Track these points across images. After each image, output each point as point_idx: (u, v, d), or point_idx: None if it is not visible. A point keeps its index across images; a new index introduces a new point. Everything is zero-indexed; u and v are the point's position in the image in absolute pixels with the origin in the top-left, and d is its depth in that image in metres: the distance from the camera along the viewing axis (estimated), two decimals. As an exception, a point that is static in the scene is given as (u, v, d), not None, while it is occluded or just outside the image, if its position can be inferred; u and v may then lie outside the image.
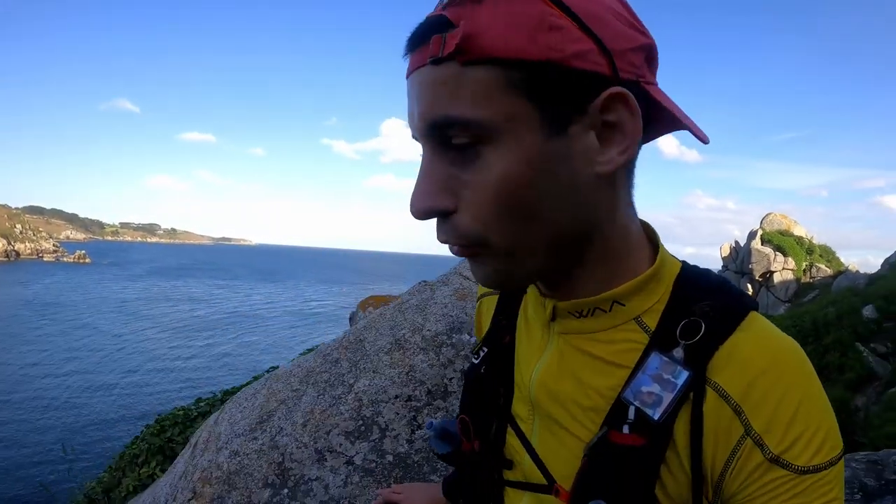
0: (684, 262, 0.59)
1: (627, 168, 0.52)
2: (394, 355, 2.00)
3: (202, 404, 3.91)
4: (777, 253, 22.21)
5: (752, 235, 23.69)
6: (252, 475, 1.85)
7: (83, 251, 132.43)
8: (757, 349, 0.50)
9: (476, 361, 0.70)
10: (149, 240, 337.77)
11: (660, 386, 0.50)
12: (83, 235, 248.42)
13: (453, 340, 2.01)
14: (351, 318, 4.87)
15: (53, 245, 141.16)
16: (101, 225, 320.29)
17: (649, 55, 0.50)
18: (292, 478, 1.79)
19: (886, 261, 17.84)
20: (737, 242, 25.00)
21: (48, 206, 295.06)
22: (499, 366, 0.67)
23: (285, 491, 1.76)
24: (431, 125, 0.47)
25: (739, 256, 23.84)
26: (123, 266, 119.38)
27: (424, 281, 2.40)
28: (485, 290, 0.77)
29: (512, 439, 0.63)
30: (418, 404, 1.86)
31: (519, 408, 0.63)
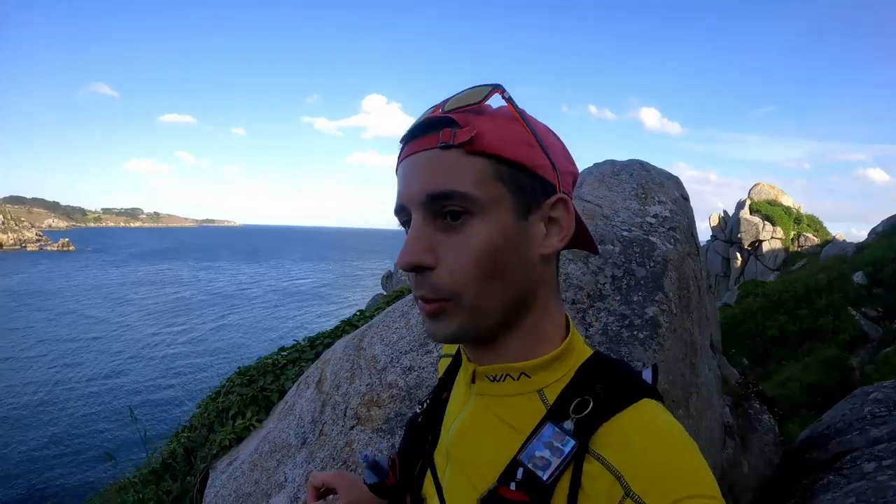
0: (597, 352, 0.69)
1: (556, 267, 0.69)
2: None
3: (287, 352, 3.88)
4: (766, 222, 22.73)
5: (740, 205, 24.14)
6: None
7: (67, 239, 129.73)
8: (639, 427, 0.58)
9: (418, 411, 0.83)
10: (132, 224, 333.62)
11: (550, 452, 0.59)
12: (66, 223, 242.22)
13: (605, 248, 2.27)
14: (385, 280, 5.50)
15: (36, 234, 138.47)
16: (83, 212, 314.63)
17: (574, 181, 0.69)
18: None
19: (873, 230, 18.42)
20: (725, 213, 25.48)
21: (29, 196, 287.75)
22: (432, 417, 0.79)
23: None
24: (434, 195, 0.60)
25: (728, 226, 24.29)
26: (108, 251, 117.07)
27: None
28: (445, 353, 0.90)
29: (428, 482, 0.75)
30: (583, 306, 2.10)
31: (439, 456, 0.74)
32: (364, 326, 2.71)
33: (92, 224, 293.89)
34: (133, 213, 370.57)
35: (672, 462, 0.54)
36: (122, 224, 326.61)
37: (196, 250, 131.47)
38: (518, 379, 0.65)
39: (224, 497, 2.62)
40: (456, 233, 0.61)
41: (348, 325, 4.17)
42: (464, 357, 0.73)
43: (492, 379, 0.67)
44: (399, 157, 0.66)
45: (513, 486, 0.59)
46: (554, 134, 0.68)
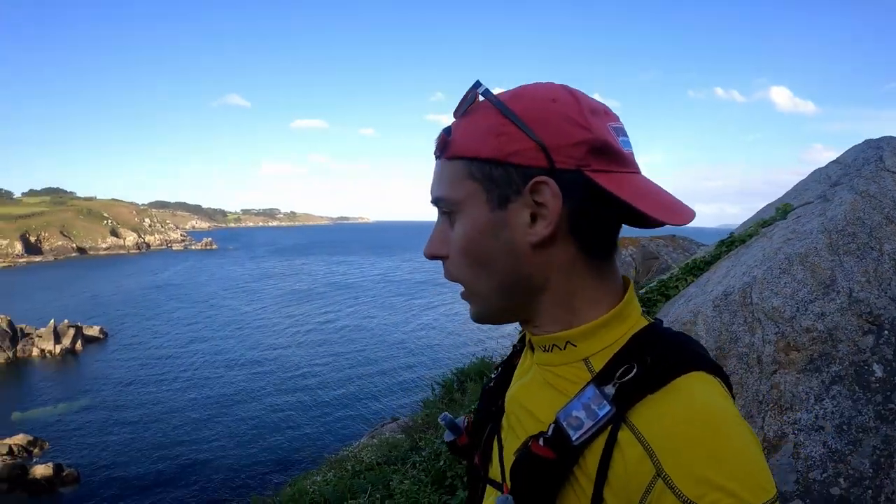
0: (656, 322, 0.72)
1: (584, 247, 0.69)
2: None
3: None
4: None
5: None
6: (848, 328, 2.48)
7: (209, 238, 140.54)
8: (683, 402, 0.59)
9: (493, 376, 0.92)
10: (270, 224, 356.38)
11: (586, 413, 0.62)
12: (207, 224, 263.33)
13: None
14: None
15: (181, 235, 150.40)
16: (223, 213, 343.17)
17: (593, 146, 0.65)
18: (886, 321, 2.46)
19: None
20: None
21: (172, 200, 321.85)
22: (502, 384, 0.87)
23: (885, 333, 2.44)
24: (433, 200, 0.74)
25: None
26: (249, 249, 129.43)
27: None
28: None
29: (496, 443, 0.81)
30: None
31: (504, 419, 0.81)
32: (724, 288, 3.06)
33: (232, 224, 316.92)
34: (271, 213, 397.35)
35: (714, 447, 0.55)
36: (260, 223, 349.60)
37: (330, 246, 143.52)
38: (564, 348, 0.71)
39: None
40: (452, 228, 0.72)
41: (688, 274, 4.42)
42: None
43: (543, 349, 0.74)
44: None
45: (542, 441, 0.64)
46: (563, 100, 0.68)
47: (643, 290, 4.66)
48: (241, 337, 39.82)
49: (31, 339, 35.12)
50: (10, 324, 34.86)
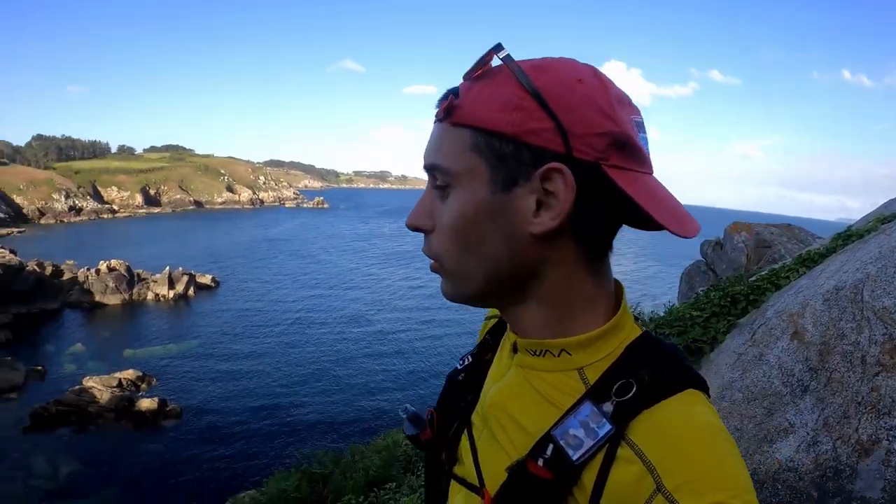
0: (645, 332, 0.71)
1: (585, 246, 0.67)
2: None
3: (702, 306, 4.18)
4: None
5: None
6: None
7: (321, 198, 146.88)
8: (680, 420, 0.60)
9: (459, 367, 0.90)
10: (381, 186, 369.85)
11: (585, 432, 0.62)
12: (320, 184, 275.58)
13: None
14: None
15: (294, 193, 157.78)
16: (336, 174, 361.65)
17: (616, 140, 0.62)
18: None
19: None
20: None
21: (287, 160, 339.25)
22: (473, 377, 0.86)
23: None
24: (426, 166, 0.69)
25: None
26: (359, 209, 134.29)
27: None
28: (490, 315, 0.94)
29: (464, 441, 0.80)
30: None
31: (477, 416, 0.80)
32: (836, 282, 3.03)
33: (344, 185, 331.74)
34: (382, 176, 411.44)
35: (710, 460, 0.58)
36: (371, 185, 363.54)
37: None
38: (559, 356, 0.69)
39: None
40: (442, 202, 0.68)
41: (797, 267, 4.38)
42: (508, 325, 0.77)
43: (532, 353, 0.71)
44: None
45: (541, 462, 0.64)
46: (590, 83, 0.63)
47: (753, 279, 4.55)
48: (345, 294, 41.33)
49: (147, 283, 37.69)
50: (129, 269, 37.52)
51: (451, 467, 0.83)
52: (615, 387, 0.64)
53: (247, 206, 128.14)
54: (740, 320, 3.70)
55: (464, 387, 0.86)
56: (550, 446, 0.64)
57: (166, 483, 16.73)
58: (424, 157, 0.69)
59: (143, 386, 23.28)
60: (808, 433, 2.46)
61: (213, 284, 41.64)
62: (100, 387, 21.62)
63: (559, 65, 0.64)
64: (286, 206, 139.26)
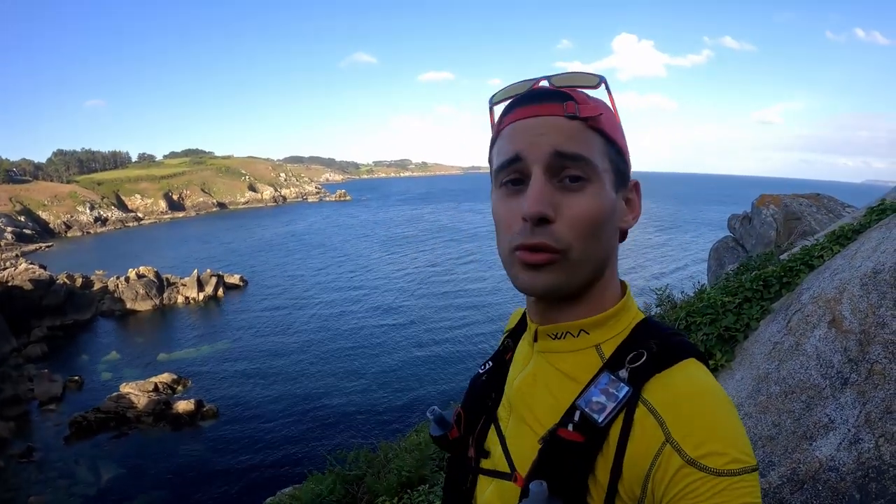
0: (648, 315, 0.83)
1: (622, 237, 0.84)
2: None
3: (733, 291, 4.09)
4: None
5: None
6: None
7: (343, 190, 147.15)
8: (685, 381, 0.71)
9: (481, 371, 0.99)
10: (402, 174, 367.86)
11: (605, 397, 0.72)
12: (341, 177, 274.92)
13: None
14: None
15: (315, 187, 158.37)
16: (356, 166, 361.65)
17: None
18: None
19: None
20: None
21: (306, 155, 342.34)
22: (496, 376, 0.95)
23: None
24: (564, 154, 0.74)
25: None
26: (383, 199, 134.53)
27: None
28: (507, 329, 1.04)
29: (492, 434, 0.89)
30: None
31: (503, 410, 0.89)
32: (874, 265, 2.87)
33: (365, 176, 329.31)
34: (402, 164, 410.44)
35: (712, 417, 0.67)
36: (392, 174, 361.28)
37: (461, 193, 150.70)
38: (578, 335, 0.80)
39: None
40: (574, 194, 0.75)
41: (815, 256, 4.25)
42: (528, 319, 0.88)
43: (553, 336, 0.81)
44: (510, 117, 0.80)
45: (570, 427, 0.73)
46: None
47: (784, 256, 4.52)
48: (374, 285, 41.30)
49: (176, 287, 38.21)
50: (157, 274, 38.10)
51: (479, 464, 0.89)
52: (628, 357, 0.75)
53: (270, 204, 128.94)
54: (773, 305, 3.56)
55: (487, 386, 0.95)
56: (577, 413, 0.73)
57: (206, 483, 17.03)
58: (557, 144, 0.75)
59: (179, 388, 23.68)
60: (849, 430, 2.32)
61: (241, 284, 42.06)
62: (136, 392, 22.03)
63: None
64: (309, 200, 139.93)
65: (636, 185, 0.84)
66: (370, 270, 47.06)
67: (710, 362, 3.32)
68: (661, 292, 5.40)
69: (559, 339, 0.81)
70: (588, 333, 0.80)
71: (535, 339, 0.85)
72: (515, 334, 0.98)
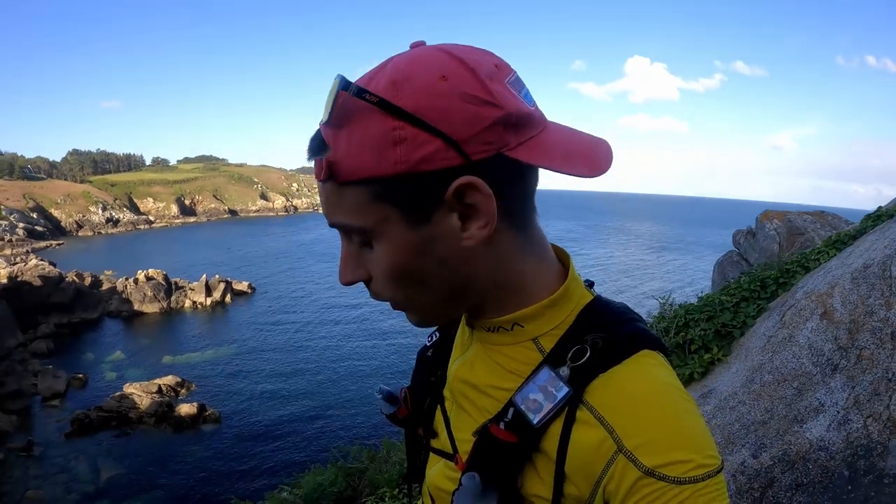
0: (597, 297, 0.74)
1: (517, 226, 0.68)
2: None
3: (732, 291, 4.20)
4: None
5: None
6: None
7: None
8: (635, 381, 0.63)
9: (428, 344, 0.93)
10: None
11: (543, 396, 0.65)
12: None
13: None
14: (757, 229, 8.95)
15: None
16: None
17: (509, 122, 0.60)
18: None
19: None
20: None
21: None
22: (441, 353, 0.89)
23: None
24: (332, 225, 0.67)
25: None
26: None
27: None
28: None
29: (439, 415, 0.84)
30: None
31: (447, 390, 0.83)
32: (864, 260, 3.06)
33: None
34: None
35: (669, 419, 0.60)
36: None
37: None
38: (511, 329, 0.72)
39: (720, 426, 2.91)
40: (371, 251, 0.67)
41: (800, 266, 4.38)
42: None
43: (487, 329, 0.74)
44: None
45: (502, 425, 0.67)
46: (456, 74, 0.60)
47: (784, 265, 4.62)
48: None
49: (185, 291, 38.45)
50: (166, 277, 38.34)
51: (429, 441, 0.86)
52: (570, 352, 0.66)
53: (281, 213, 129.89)
54: (770, 304, 3.69)
55: (433, 363, 0.89)
56: (511, 410, 0.67)
57: (206, 486, 17.07)
58: (327, 216, 0.67)
59: (183, 391, 23.77)
60: (838, 412, 2.44)
61: (249, 290, 42.24)
62: (140, 393, 22.16)
63: (415, 67, 0.60)
64: (320, 211, 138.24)
65: (466, 187, 0.61)
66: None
67: (707, 356, 3.39)
68: (663, 300, 5.46)
69: (494, 332, 0.73)
70: (523, 326, 0.71)
71: (472, 326, 0.77)
72: None
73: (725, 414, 2.95)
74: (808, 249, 5.13)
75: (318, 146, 0.64)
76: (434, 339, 0.92)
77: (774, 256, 7.88)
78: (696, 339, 3.64)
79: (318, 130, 0.64)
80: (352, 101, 0.59)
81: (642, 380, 0.63)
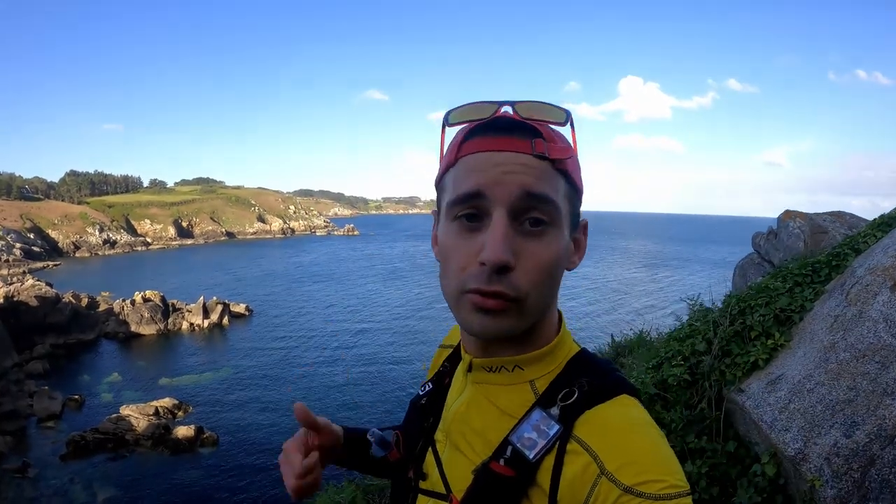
0: (583, 349, 0.85)
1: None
2: None
3: (783, 278, 4.12)
4: None
5: None
6: None
7: (351, 225, 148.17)
8: (615, 416, 0.73)
9: (421, 393, 1.00)
10: (410, 211, 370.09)
11: (537, 434, 0.74)
12: (349, 211, 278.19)
13: None
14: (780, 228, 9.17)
15: (324, 221, 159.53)
16: (365, 201, 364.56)
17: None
18: None
19: None
20: None
21: (316, 189, 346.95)
22: (434, 400, 0.96)
23: None
24: (534, 195, 0.72)
25: None
26: (390, 235, 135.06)
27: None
28: (445, 344, 1.07)
29: (430, 457, 0.90)
30: None
31: (440, 433, 0.90)
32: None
33: (374, 212, 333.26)
34: (411, 201, 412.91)
35: (645, 447, 0.68)
36: (401, 211, 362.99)
37: None
38: (512, 371, 0.80)
39: (800, 410, 2.82)
40: (534, 239, 0.73)
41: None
42: (462, 349, 0.88)
43: (487, 369, 0.82)
44: (472, 146, 0.76)
45: (502, 461, 0.74)
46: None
47: (833, 249, 4.60)
48: (378, 317, 41.02)
49: (182, 313, 38.16)
50: (163, 299, 38.09)
51: (418, 483, 0.90)
52: (560, 394, 0.76)
53: (278, 236, 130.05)
54: (826, 286, 3.57)
55: (426, 409, 0.96)
56: (509, 448, 0.75)
57: (204, 510, 16.64)
58: (528, 184, 0.72)
59: (180, 414, 23.40)
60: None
61: (246, 313, 41.95)
62: (136, 415, 21.79)
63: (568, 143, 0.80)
64: (317, 234, 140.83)
65: (585, 226, 0.83)
66: (375, 302, 47.02)
67: (769, 342, 3.35)
68: (692, 301, 5.31)
69: (494, 372, 0.81)
70: (523, 369, 0.80)
71: (470, 370, 0.85)
72: (454, 358, 0.99)
73: (804, 397, 2.84)
74: (853, 233, 5.14)
75: (532, 130, 0.75)
76: (427, 388, 0.99)
77: (800, 255, 7.74)
78: (756, 325, 3.59)
79: (526, 122, 0.76)
80: (566, 131, 0.80)
81: (622, 416, 0.73)
